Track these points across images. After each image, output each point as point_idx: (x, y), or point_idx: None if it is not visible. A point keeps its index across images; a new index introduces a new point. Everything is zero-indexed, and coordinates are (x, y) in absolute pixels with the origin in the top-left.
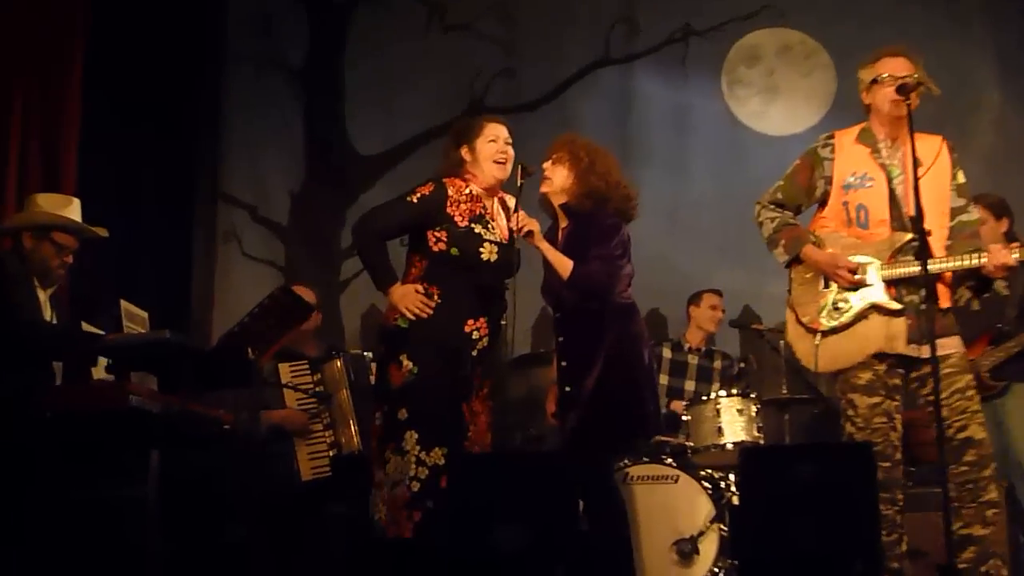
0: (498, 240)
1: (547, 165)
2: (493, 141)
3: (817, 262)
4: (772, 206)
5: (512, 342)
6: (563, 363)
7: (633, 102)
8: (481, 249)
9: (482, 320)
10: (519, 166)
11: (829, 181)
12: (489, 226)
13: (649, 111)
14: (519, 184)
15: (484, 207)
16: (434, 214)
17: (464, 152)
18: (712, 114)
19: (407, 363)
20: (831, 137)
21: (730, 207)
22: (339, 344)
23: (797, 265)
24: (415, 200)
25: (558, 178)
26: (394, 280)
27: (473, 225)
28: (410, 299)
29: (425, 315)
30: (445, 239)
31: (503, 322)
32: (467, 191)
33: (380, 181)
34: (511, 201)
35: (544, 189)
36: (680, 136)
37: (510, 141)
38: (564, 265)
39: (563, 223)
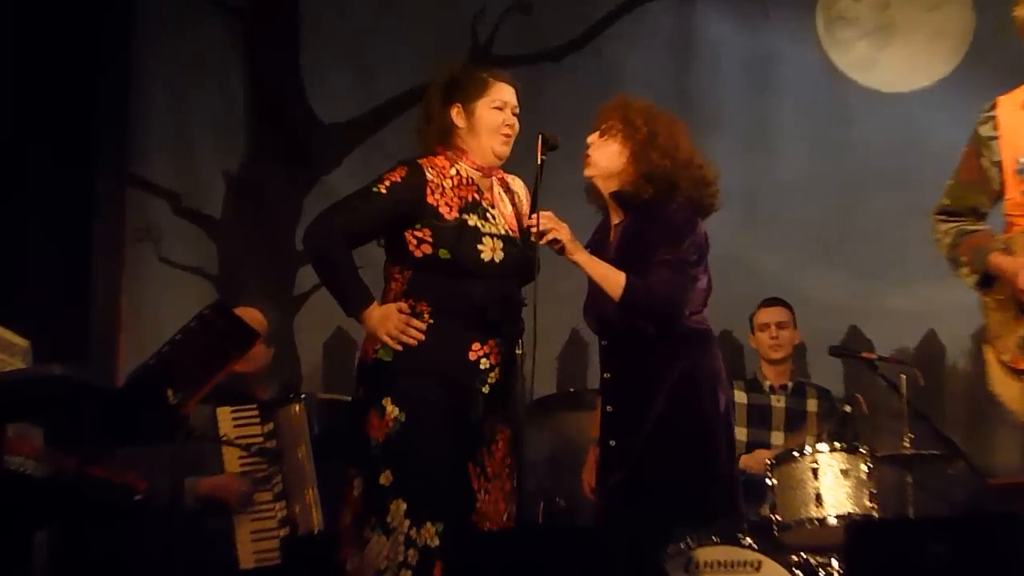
0: (502, 233)
1: (593, 140)
2: (499, 108)
3: (1004, 271)
4: (943, 216)
5: (531, 377)
6: (608, 408)
7: (694, 49)
8: (480, 246)
9: (491, 344)
10: (539, 137)
11: (1000, 167)
12: (488, 215)
13: (716, 61)
14: (539, 162)
15: (478, 191)
16: (411, 207)
17: (456, 114)
18: (803, 64)
19: (392, 409)
20: (993, 107)
21: (828, 190)
22: (294, 382)
23: (987, 289)
24: (383, 190)
25: (607, 157)
26: (368, 300)
27: (465, 216)
28: (392, 323)
29: (413, 342)
30: (429, 238)
31: (519, 350)
32: (453, 171)
33: (349, 158)
34: (516, 184)
35: (589, 173)
36: (759, 95)
37: (518, 110)
38: (614, 281)
39: (615, 218)
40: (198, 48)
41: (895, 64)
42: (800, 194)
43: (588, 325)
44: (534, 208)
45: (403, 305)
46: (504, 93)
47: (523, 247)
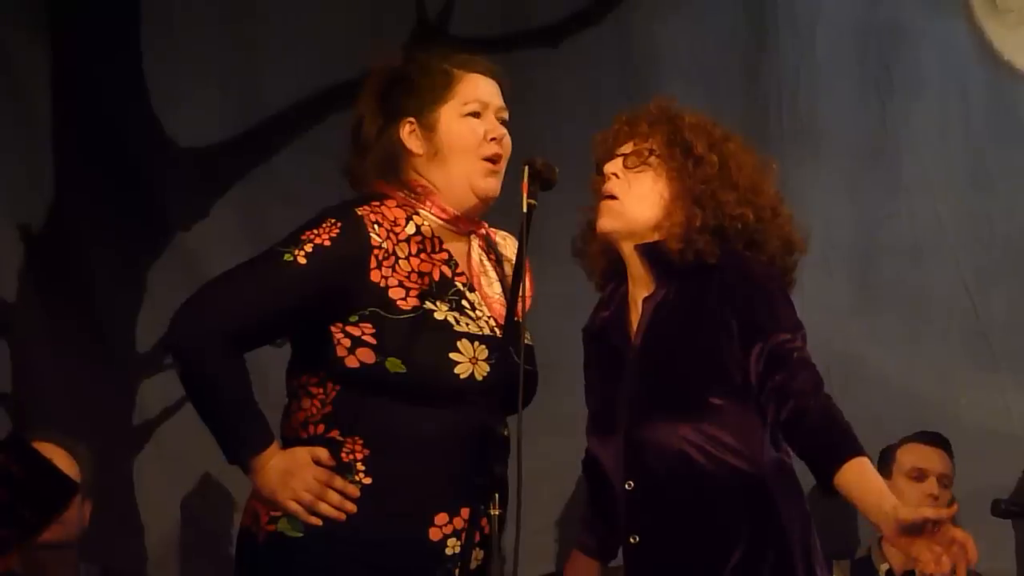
0: (487, 332)
1: (614, 171)
2: (475, 114)
3: None
4: None
5: (515, 555)
6: None
7: (771, 22)
8: (454, 355)
9: (464, 514)
10: (524, 169)
11: None
12: (465, 302)
13: (808, 38)
14: (526, 208)
15: (450, 261)
16: (344, 288)
17: (408, 135)
18: (945, 46)
19: None
20: None
21: (985, 245)
22: (124, 563)
23: None
24: (301, 259)
25: (640, 200)
26: (265, 439)
27: (430, 304)
28: (304, 480)
29: (340, 515)
30: (372, 339)
31: (494, 510)
32: (410, 228)
33: (223, 202)
34: (509, 246)
35: (608, 227)
36: (874, 91)
37: (505, 113)
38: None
39: (641, 289)
40: None
41: None
42: (941, 252)
43: (597, 457)
44: (517, 280)
45: (322, 452)
46: (481, 88)
47: (518, 353)
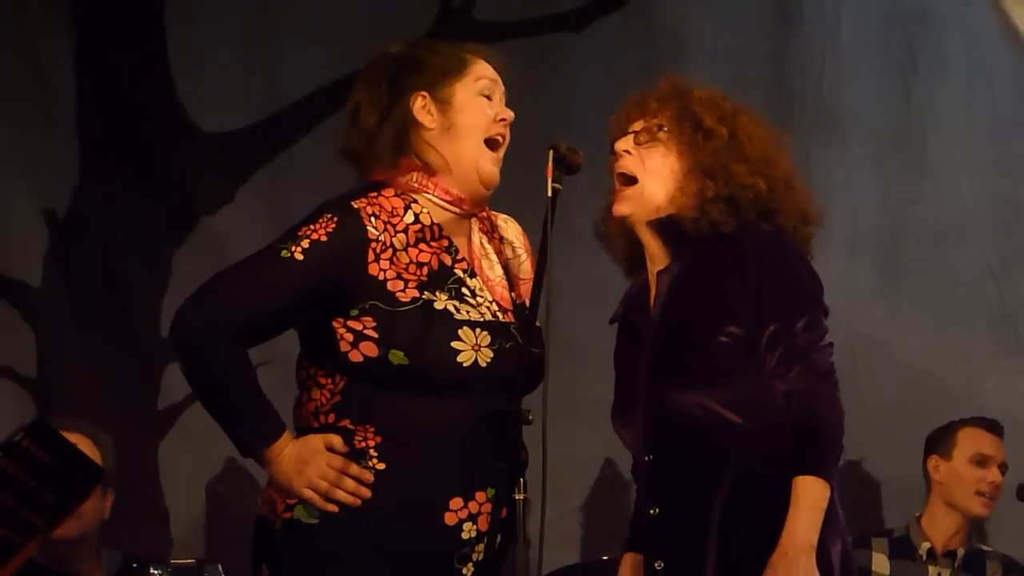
0: (489, 318)
1: (625, 147)
2: (487, 95)
3: None
4: None
5: (540, 540)
6: (658, 566)
7: (794, 4)
8: (456, 344)
9: (479, 498)
10: (549, 153)
11: None
12: (466, 289)
13: (833, 21)
14: (551, 193)
15: (450, 248)
16: (343, 282)
17: (421, 107)
18: (971, 29)
19: None
20: None
21: (1006, 217)
22: (149, 550)
23: None
24: (298, 254)
25: (654, 175)
26: (276, 429)
27: (429, 294)
28: (318, 466)
29: (355, 500)
30: (374, 333)
31: (519, 494)
32: (409, 218)
33: (246, 188)
34: (510, 229)
35: (624, 210)
36: (899, 75)
37: (506, 103)
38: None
39: (656, 263)
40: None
41: None
42: (966, 236)
43: (620, 437)
44: (542, 270)
45: (335, 439)
46: (491, 71)
47: (523, 336)
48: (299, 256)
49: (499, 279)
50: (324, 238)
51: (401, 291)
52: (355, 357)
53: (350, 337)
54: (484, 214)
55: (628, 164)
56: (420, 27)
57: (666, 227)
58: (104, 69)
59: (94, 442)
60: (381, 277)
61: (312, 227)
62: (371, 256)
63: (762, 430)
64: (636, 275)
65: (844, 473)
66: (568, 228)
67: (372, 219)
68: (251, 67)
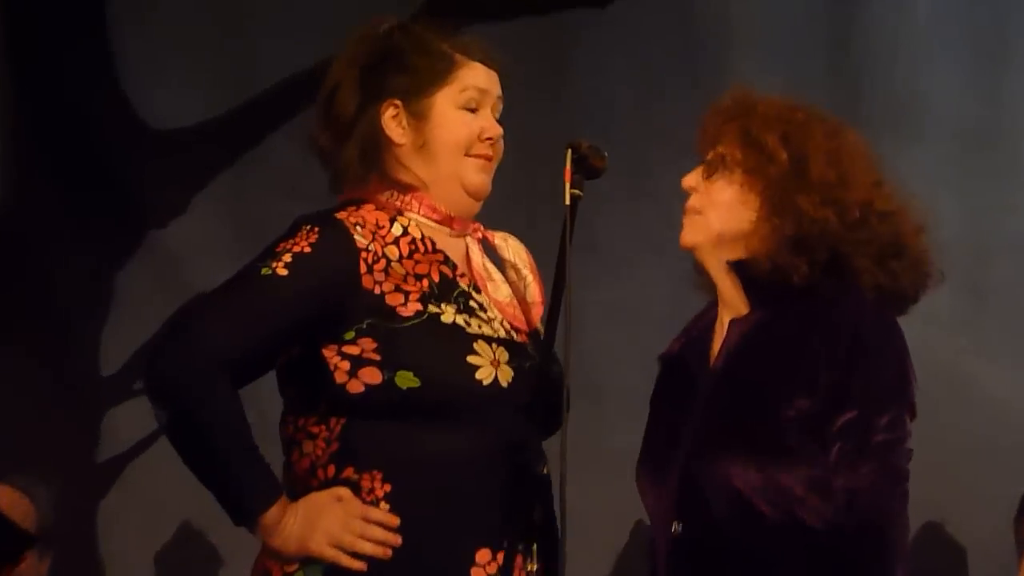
0: (502, 335)
1: (693, 183)
2: (471, 107)
3: None
4: None
5: None
6: None
7: None
8: (473, 359)
9: (507, 546)
10: (567, 152)
11: None
12: (473, 302)
13: (902, 15)
14: (569, 200)
15: (447, 261)
16: (334, 299)
17: (391, 119)
18: None
19: None
20: None
21: None
22: None
23: None
24: (281, 270)
25: (723, 211)
26: (276, 490)
27: (434, 307)
28: (337, 519)
29: (385, 553)
30: (376, 355)
31: (531, 566)
32: (397, 230)
33: (205, 192)
34: (511, 247)
35: (691, 240)
36: (987, 63)
37: (501, 104)
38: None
39: (728, 311)
40: None
41: None
42: None
43: (642, 497)
44: (560, 293)
45: (343, 491)
46: (481, 78)
47: (545, 359)
48: (283, 272)
49: (508, 300)
50: (308, 249)
51: (402, 305)
52: (355, 388)
53: (346, 365)
54: (479, 234)
55: (693, 202)
56: (405, 12)
57: (744, 271)
58: (37, 59)
59: (28, 497)
60: (378, 291)
61: (292, 240)
62: (363, 267)
63: (814, 525)
64: (700, 315)
65: (922, 535)
66: (591, 242)
67: (358, 228)
68: (211, 57)
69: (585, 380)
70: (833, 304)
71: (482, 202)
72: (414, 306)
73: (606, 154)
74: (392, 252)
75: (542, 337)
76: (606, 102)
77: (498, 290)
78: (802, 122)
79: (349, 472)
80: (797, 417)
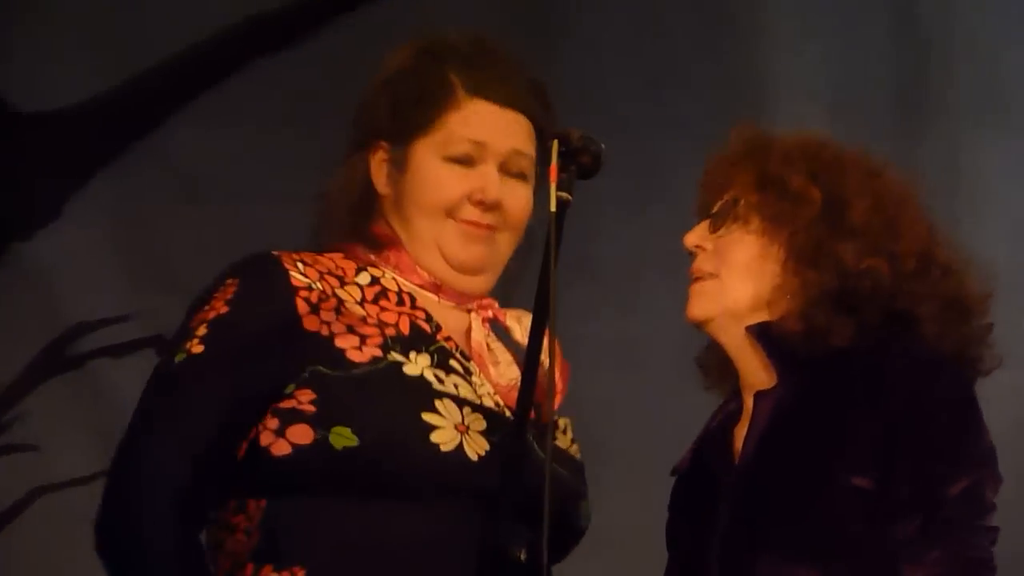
0: (494, 406)
1: (697, 239)
2: (463, 160)
3: None
4: None
5: None
6: None
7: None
8: (431, 417)
9: None
10: (553, 143)
11: None
12: (453, 363)
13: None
14: (554, 201)
15: (430, 319)
16: (269, 359)
17: (378, 162)
18: None
19: None
20: None
21: None
22: None
23: None
24: (196, 347)
25: (739, 273)
26: None
27: (397, 355)
28: None
29: None
30: (310, 405)
31: None
32: (364, 278)
33: (83, 192)
34: (523, 324)
35: (700, 314)
36: None
37: (524, 160)
38: None
39: (750, 383)
40: None
41: None
42: None
43: None
44: (543, 318)
45: None
46: (486, 123)
47: (540, 446)
48: (198, 349)
49: (510, 383)
50: (224, 310)
51: (355, 348)
52: (280, 450)
53: (274, 423)
54: (488, 312)
55: (700, 264)
56: None
57: (767, 336)
58: None
59: None
60: (325, 332)
61: (208, 305)
62: (303, 306)
63: None
64: (717, 412)
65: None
66: (584, 258)
67: (299, 264)
68: (90, 22)
69: (580, 436)
70: (874, 364)
71: (476, 275)
72: (371, 351)
73: (603, 147)
74: (350, 294)
75: (519, 387)
76: (602, 86)
77: (501, 376)
78: (833, 159)
79: (267, 572)
80: (852, 501)
